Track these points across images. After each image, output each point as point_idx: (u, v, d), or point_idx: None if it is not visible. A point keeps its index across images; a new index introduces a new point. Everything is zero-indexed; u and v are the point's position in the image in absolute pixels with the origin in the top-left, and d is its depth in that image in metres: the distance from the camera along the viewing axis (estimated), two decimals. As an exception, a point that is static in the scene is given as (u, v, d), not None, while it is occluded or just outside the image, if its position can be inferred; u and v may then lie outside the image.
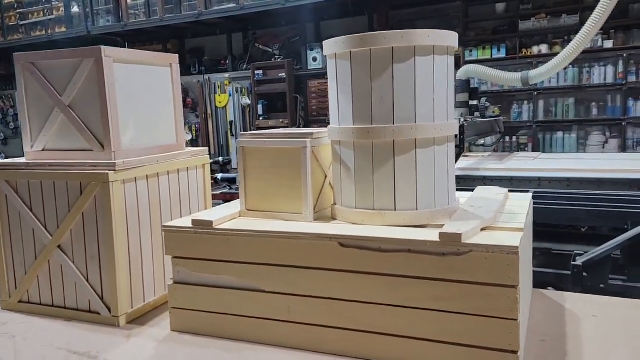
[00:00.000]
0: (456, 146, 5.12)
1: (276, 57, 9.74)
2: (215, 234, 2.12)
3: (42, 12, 11.23)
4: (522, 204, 2.32)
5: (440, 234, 1.80)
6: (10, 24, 11.49)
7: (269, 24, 9.72)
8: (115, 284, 2.31)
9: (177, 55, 2.78)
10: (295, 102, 9.55)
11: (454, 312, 1.80)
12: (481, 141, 7.06)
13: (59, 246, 2.41)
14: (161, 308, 2.50)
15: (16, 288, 2.54)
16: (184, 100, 10.21)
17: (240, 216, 2.28)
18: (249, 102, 9.83)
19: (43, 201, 2.41)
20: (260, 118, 9.81)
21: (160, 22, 9.82)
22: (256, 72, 9.63)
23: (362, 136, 2.02)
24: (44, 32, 11.19)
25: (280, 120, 9.56)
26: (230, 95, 10.03)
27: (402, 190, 2.01)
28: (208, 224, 2.12)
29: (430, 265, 1.82)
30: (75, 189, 2.33)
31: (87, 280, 2.37)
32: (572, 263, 3.93)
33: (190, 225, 2.16)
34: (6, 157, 9.82)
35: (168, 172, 2.60)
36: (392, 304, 1.88)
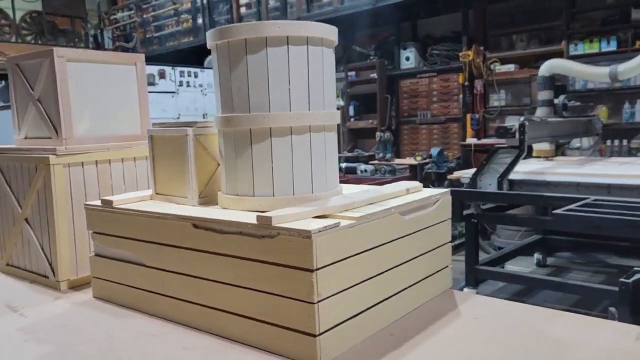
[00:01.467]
0: (515, 147, 4.81)
1: (371, 57, 9.82)
2: (114, 213, 2.37)
3: (172, 25, 12.62)
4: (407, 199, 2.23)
5: (257, 216, 1.84)
6: (147, 36, 13.10)
7: (364, 25, 9.81)
8: (57, 252, 2.68)
9: (142, 55, 3.10)
10: (385, 102, 9.53)
11: (267, 293, 1.84)
12: (576, 144, 6.44)
13: (25, 219, 2.86)
14: (106, 279, 2.82)
15: (5, 251, 3.06)
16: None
17: (151, 199, 2.51)
18: (342, 103, 10.02)
19: (17, 180, 2.88)
20: (352, 119, 9.96)
21: (263, 29, 10.44)
22: (349, 73, 9.80)
23: (225, 124, 2.12)
24: (175, 42, 12.56)
25: (370, 121, 9.62)
26: (325, 97, 10.30)
27: (260, 178, 2.08)
28: (109, 203, 2.38)
29: (251, 247, 1.87)
30: (33, 171, 2.76)
31: (42, 249, 2.79)
32: (621, 280, 3.50)
33: (100, 204, 2.45)
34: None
35: (122, 159, 2.93)
36: (226, 282, 1.97)
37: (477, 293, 3.94)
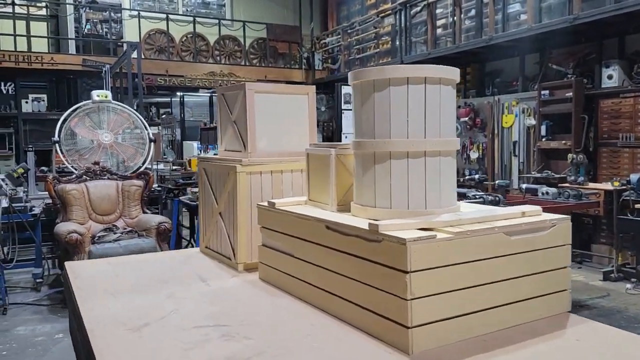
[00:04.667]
0: None
1: (569, 75, 9.34)
2: (276, 212, 3.02)
3: (372, 47, 13.57)
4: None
5: (369, 224, 2.27)
6: (350, 58, 14.27)
7: (562, 43, 9.39)
8: (238, 241, 3.45)
9: (313, 87, 3.76)
10: (582, 122, 8.96)
11: (373, 287, 2.26)
12: None
13: (219, 213, 3.71)
14: (272, 266, 3.52)
15: (205, 237, 3.97)
16: (474, 121, 10.79)
17: (304, 204, 3.11)
18: (533, 122, 9.71)
19: (216, 182, 3.76)
20: (543, 139, 9.56)
21: (457, 49, 10.68)
22: (542, 92, 9.45)
23: (356, 147, 2.61)
24: (373, 63, 13.47)
25: (564, 142, 9.12)
26: (516, 116, 10.10)
27: (379, 192, 2.50)
28: (273, 205, 3.04)
29: (364, 248, 2.31)
30: (226, 175, 3.59)
31: (229, 238, 3.60)
32: None
33: (267, 205, 3.12)
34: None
35: (292, 170, 3.60)
36: (344, 274, 2.44)
37: None
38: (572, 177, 8.57)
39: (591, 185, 8.41)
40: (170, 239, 7.18)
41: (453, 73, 2.49)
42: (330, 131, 14.39)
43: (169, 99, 15.83)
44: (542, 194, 7.21)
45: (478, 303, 2.29)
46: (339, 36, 14.77)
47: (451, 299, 2.21)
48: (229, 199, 3.57)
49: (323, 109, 14.45)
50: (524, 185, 7.78)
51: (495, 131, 10.52)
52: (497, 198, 6.00)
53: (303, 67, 16.25)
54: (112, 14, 14.75)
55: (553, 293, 2.53)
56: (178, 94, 14.92)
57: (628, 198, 7.52)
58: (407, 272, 2.09)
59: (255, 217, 3.49)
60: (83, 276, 3.41)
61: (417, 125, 2.44)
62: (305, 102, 3.73)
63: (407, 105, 2.42)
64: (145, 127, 8.68)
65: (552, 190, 7.17)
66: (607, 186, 8.02)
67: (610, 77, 8.73)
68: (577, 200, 6.93)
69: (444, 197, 2.51)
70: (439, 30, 11.71)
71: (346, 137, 10.60)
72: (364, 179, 2.58)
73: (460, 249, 2.22)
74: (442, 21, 11.69)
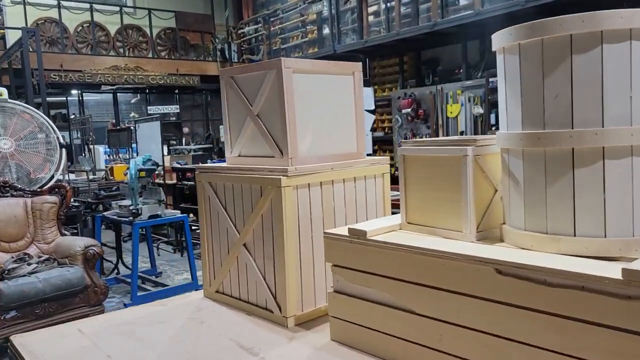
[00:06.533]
0: None
1: (514, 62, 9.10)
2: (368, 245, 2.03)
3: (299, 36, 12.64)
4: None
5: (624, 270, 1.39)
6: (274, 48, 13.22)
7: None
8: (285, 285, 2.40)
9: (360, 64, 2.79)
10: (534, 110, 8.75)
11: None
12: None
13: (244, 244, 2.62)
14: (330, 315, 2.52)
15: (214, 278, 2.85)
16: (416, 112, 10.29)
17: (400, 229, 2.15)
18: (481, 111, 9.37)
19: (234, 202, 2.66)
20: (493, 127, 9.26)
21: (396, 36, 10.08)
22: (490, 79, 9.12)
23: (531, 143, 1.70)
24: (300, 53, 12.55)
25: (516, 130, 8.88)
26: (462, 105, 9.73)
27: (585, 211, 1.63)
28: (362, 233, 2.05)
29: (610, 310, 1.42)
30: (257, 192, 2.51)
31: (264, 279, 2.53)
32: None
33: (347, 234, 2.12)
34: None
35: (344, 179, 2.62)
36: (556, 350, 1.53)
37: None
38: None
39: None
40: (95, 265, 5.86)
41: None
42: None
43: (65, 98, 13.78)
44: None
45: None
46: (259, 25, 13.67)
47: None
48: (264, 224, 2.50)
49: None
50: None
51: (440, 122, 10.09)
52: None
53: (218, 59, 14.96)
54: (-11, -1, 12.45)
55: None
56: (73, 92, 13.02)
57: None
58: None
59: (305, 248, 2.46)
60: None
61: (643, 106, 1.59)
62: (350, 85, 2.75)
63: (630, 75, 1.57)
64: (54, 130, 7.10)
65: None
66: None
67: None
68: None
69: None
70: (371, 18, 11.09)
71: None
72: (550, 192, 1.68)
73: None
74: (374, 8, 11.09)
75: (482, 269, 1.68)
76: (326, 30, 11.93)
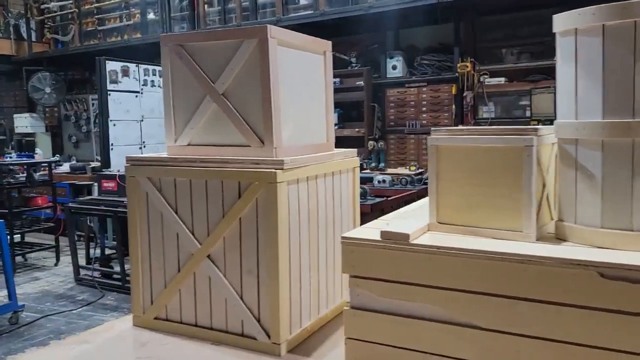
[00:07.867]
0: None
1: (352, 65, 9.42)
2: (411, 251, 1.72)
3: (119, 19, 11.31)
4: None
5: None
6: (88, 29, 11.63)
7: (348, 31, 9.39)
8: (277, 303, 1.93)
9: (330, 42, 2.43)
10: (372, 110, 9.17)
11: None
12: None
13: (208, 256, 2.06)
14: (317, 335, 2.12)
15: (152, 303, 2.21)
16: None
17: (429, 230, 1.88)
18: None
19: (191, 203, 2.08)
20: (335, 127, 9.47)
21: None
22: (333, 80, 9.32)
23: (617, 133, 1.58)
24: (119, 37, 11.24)
25: (357, 130, 9.20)
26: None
27: (671, 205, 1.56)
28: (403, 237, 1.72)
29: None
30: (232, 190, 1.99)
31: (242, 298, 2.02)
32: None
33: (379, 239, 1.77)
34: (77, 161, 9.70)
35: (325, 174, 2.24)
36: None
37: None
38: (373, 164, 8.68)
39: (390, 170, 8.67)
40: None
41: None
42: (57, 119, 11.66)
43: None
44: (378, 182, 6.99)
45: None
46: (69, 1, 11.93)
47: None
48: (243, 230, 1.98)
49: (48, 90, 11.59)
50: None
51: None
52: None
53: (12, 37, 12.71)
54: None
55: None
56: None
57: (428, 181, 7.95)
58: None
59: (295, 256, 2.03)
60: None
61: None
62: (321, 65, 2.37)
63: None
64: None
65: (387, 177, 7.02)
66: (405, 171, 8.38)
67: (394, 67, 9.12)
68: (414, 186, 6.91)
69: None
70: (206, 7, 10.45)
71: (114, 124, 8.49)
72: (636, 186, 1.58)
73: None
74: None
75: (579, 273, 1.50)
76: (151, 15, 10.93)
